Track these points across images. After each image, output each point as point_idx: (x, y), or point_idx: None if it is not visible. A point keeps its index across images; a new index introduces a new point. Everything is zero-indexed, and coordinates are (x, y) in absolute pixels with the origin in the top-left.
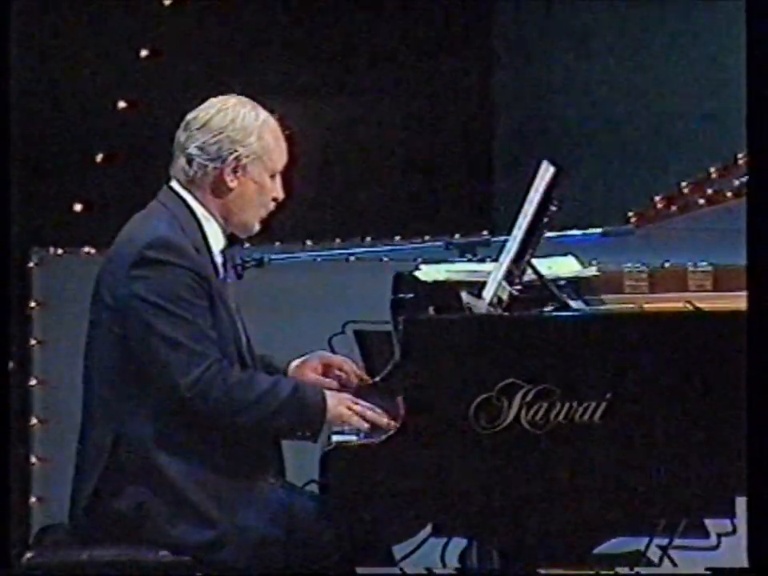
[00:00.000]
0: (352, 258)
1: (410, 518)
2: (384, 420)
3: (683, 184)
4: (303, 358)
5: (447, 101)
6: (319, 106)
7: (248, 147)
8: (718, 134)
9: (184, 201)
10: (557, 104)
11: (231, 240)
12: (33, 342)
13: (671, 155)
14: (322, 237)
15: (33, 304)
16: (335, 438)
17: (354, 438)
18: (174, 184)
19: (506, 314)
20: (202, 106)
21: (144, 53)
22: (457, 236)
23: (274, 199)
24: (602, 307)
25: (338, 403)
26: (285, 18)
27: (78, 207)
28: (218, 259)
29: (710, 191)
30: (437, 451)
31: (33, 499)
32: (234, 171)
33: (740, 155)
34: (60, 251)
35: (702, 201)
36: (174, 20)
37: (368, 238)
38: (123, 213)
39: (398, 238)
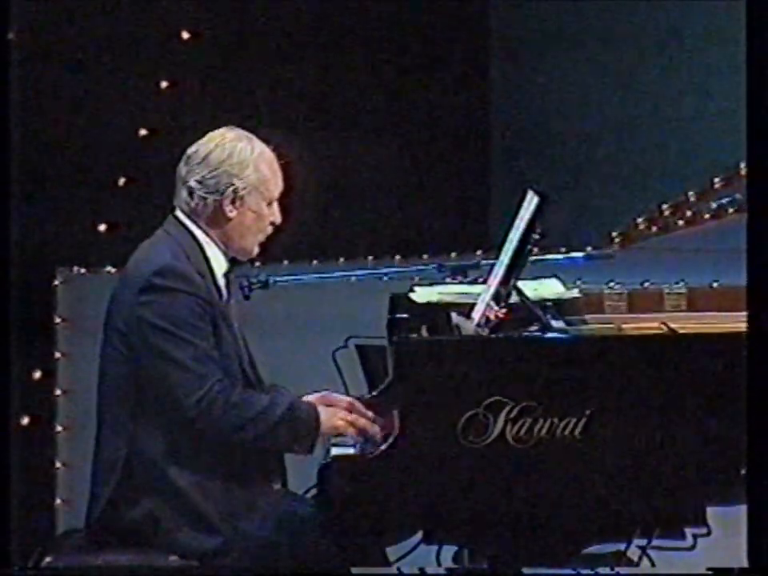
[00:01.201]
0: (353, 279)
1: (401, 525)
2: (376, 428)
3: (664, 206)
4: (310, 396)
5: (445, 126)
6: (320, 134)
7: (245, 180)
8: (701, 153)
9: (188, 229)
10: (555, 123)
11: (233, 263)
12: (57, 354)
13: (656, 173)
14: (326, 256)
15: (58, 320)
16: (333, 450)
17: (351, 450)
18: (179, 213)
19: (491, 335)
20: (201, 141)
21: (164, 84)
22: (453, 254)
23: (272, 223)
24: (584, 327)
25: (331, 416)
26: (291, 49)
27: (102, 227)
28: (221, 282)
29: (688, 213)
30: (427, 464)
31: (58, 501)
32: (233, 202)
33: (716, 179)
34: (83, 270)
35: (680, 222)
36: (191, 54)
37: (370, 257)
38: (141, 234)
39: (398, 257)
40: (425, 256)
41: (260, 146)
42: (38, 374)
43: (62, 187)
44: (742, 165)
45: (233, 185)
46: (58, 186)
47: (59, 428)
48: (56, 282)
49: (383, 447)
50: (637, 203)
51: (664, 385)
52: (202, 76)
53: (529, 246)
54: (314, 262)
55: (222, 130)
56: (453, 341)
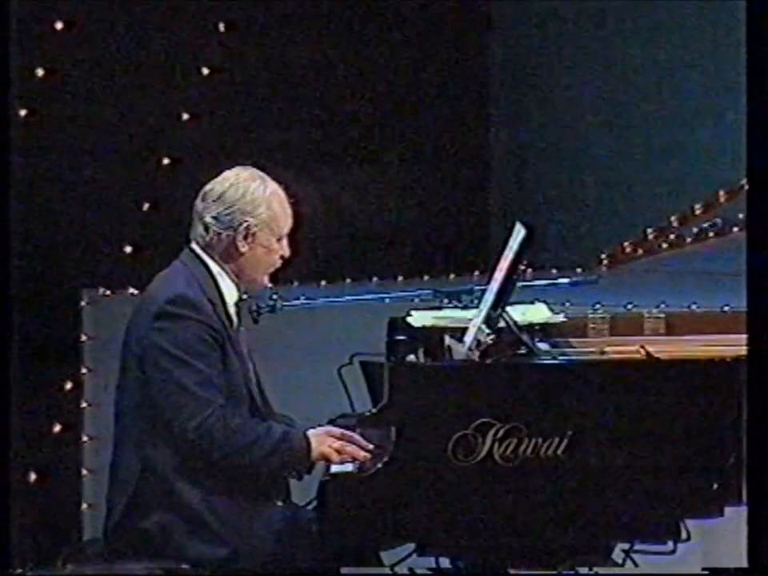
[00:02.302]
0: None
1: (396, 539)
2: (361, 453)
3: (649, 230)
4: (315, 430)
5: (446, 153)
6: (327, 163)
7: (257, 217)
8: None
9: (202, 261)
10: (553, 148)
11: (243, 293)
12: (84, 370)
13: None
14: (333, 278)
15: (84, 337)
16: (333, 468)
17: (350, 467)
18: (194, 246)
19: (479, 361)
20: (217, 179)
21: (185, 116)
22: (452, 276)
23: (282, 257)
24: (568, 350)
25: (320, 444)
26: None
27: (127, 249)
28: (232, 310)
29: (672, 237)
30: (420, 481)
31: (84, 506)
32: (245, 238)
33: (697, 206)
34: (107, 292)
35: (664, 245)
36: (212, 86)
37: (375, 278)
38: (162, 258)
39: (400, 278)
40: (426, 277)
41: (272, 186)
42: (68, 386)
43: (88, 212)
44: (721, 192)
45: (246, 222)
46: (84, 212)
47: (85, 438)
48: (82, 303)
49: (379, 465)
50: (623, 227)
51: (639, 407)
52: (222, 109)
53: (516, 275)
54: (323, 282)
55: (236, 170)
56: (444, 366)
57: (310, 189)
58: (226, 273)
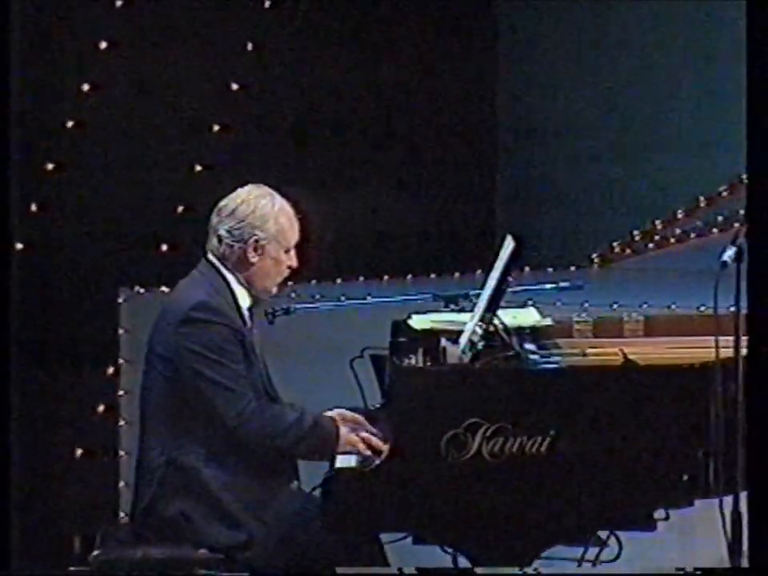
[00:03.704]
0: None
1: (394, 528)
2: (381, 444)
3: (635, 232)
4: (328, 413)
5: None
6: (344, 174)
7: (266, 231)
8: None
9: (218, 271)
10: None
11: (255, 299)
12: (121, 360)
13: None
14: (348, 276)
15: (121, 331)
16: (337, 463)
17: (352, 461)
18: (210, 257)
19: (470, 365)
20: (231, 196)
21: (216, 128)
22: (456, 274)
23: (289, 267)
24: (555, 351)
25: (348, 431)
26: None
27: (164, 248)
28: (246, 314)
29: (657, 237)
30: (415, 476)
31: (122, 484)
32: (255, 250)
33: (679, 210)
34: (142, 290)
35: (650, 245)
36: (240, 101)
37: (386, 277)
38: (194, 259)
39: (409, 276)
40: (432, 275)
41: (280, 202)
42: (110, 370)
43: (123, 220)
44: (702, 198)
45: (255, 235)
46: (124, 214)
47: (122, 422)
48: (119, 300)
49: (377, 462)
50: (614, 229)
51: (615, 408)
52: (249, 121)
53: (506, 282)
54: (338, 280)
55: (248, 187)
56: (438, 369)
57: (325, 196)
58: (239, 281)
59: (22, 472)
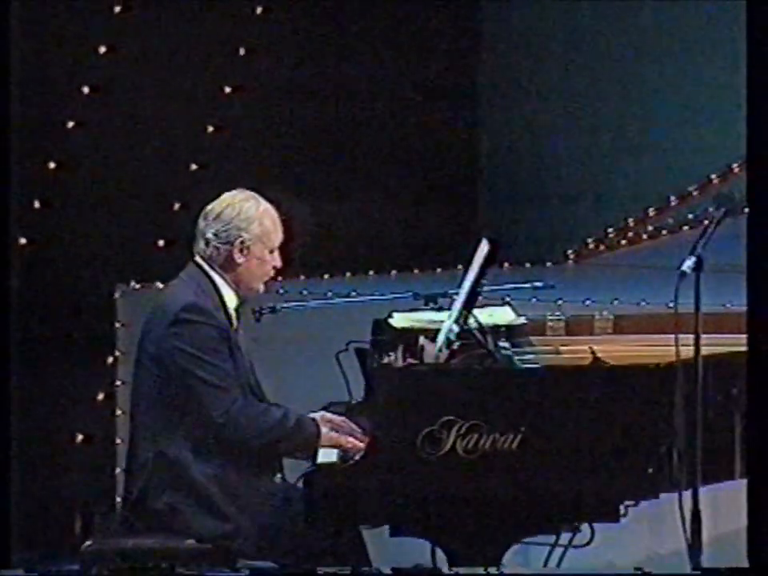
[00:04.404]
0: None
1: (372, 521)
2: (360, 444)
3: (609, 229)
4: (312, 414)
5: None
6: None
7: (251, 233)
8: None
9: (205, 272)
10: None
11: (242, 299)
12: (117, 353)
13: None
14: (335, 271)
15: (117, 324)
16: (319, 459)
17: (334, 457)
18: (198, 259)
19: (445, 365)
20: (217, 200)
21: (210, 128)
22: (439, 270)
23: (274, 267)
24: (528, 348)
25: (329, 431)
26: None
27: (160, 243)
28: (232, 314)
29: (630, 234)
30: (393, 471)
31: (118, 470)
32: (241, 251)
33: (651, 209)
34: (138, 285)
35: (623, 242)
36: (233, 103)
37: (371, 272)
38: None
39: (393, 272)
40: (416, 270)
41: (264, 205)
42: (110, 359)
43: (125, 214)
44: (672, 197)
45: (241, 237)
46: (122, 213)
47: (119, 412)
48: (116, 295)
49: (357, 458)
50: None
51: (583, 406)
52: (242, 122)
53: (481, 283)
54: (326, 276)
55: (233, 192)
56: (415, 369)
57: (313, 195)
58: (226, 282)
59: (23, 457)
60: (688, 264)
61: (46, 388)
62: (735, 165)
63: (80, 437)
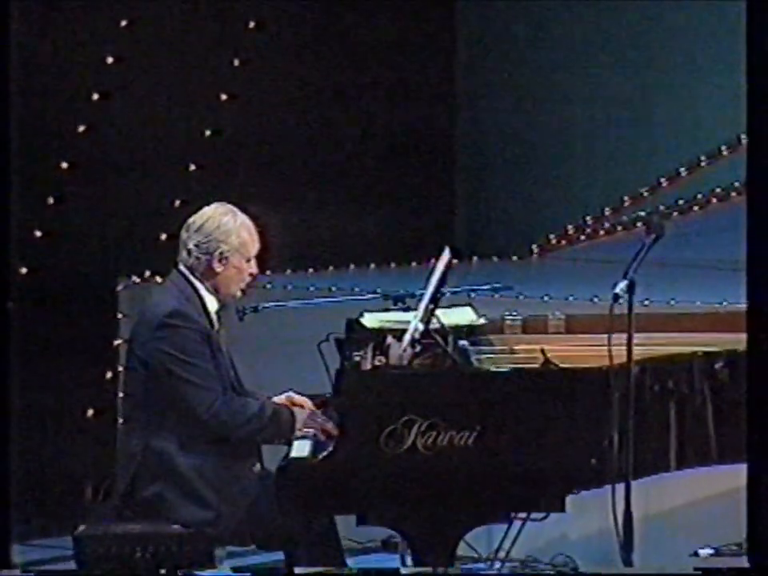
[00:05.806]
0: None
1: (339, 511)
2: (333, 430)
3: (569, 227)
4: (278, 397)
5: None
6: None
7: (229, 244)
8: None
9: (188, 280)
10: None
11: (222, 303)
12: (119, 341)
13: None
14: (318, 266)
15: (120, 315)
16: (293, 452)
17: (306, 449)
18: (181, 267)
19: (407, 367)
20: (198, 214)
21: (207, 132)
22: (414, 264)
23: (251, 275)
24: (486, 348)
25: (303, 416)
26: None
27: (162, 237)
28: (214, 317)
29: (588, 231)
30: (358, 465)
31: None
32: (220, 261)
33: (606, 208)
34: (138, 279)
35: (582, 238)
36: (229, 109)
37: (352, 266)
38: None
39: (372, 265)
40: (393, 264)
41: (241, 218)
42: (116, 343)
43: (129, 212)
44: (626, 198)
45: (220, 248)
46: (126, 211)
47: (120, 395)
48: (118, 288)
49: (325, 453)
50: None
51: (533, 404)
52: (238, 126)
53: (443, 286)
54: (310, 270)
55: (213, 206)
56: (379, 371)
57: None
58: (207, 288)
59: (29, 433)
60: (621, 286)
61: (56, 369)
62: (663, 178)
63: (90, 411)
